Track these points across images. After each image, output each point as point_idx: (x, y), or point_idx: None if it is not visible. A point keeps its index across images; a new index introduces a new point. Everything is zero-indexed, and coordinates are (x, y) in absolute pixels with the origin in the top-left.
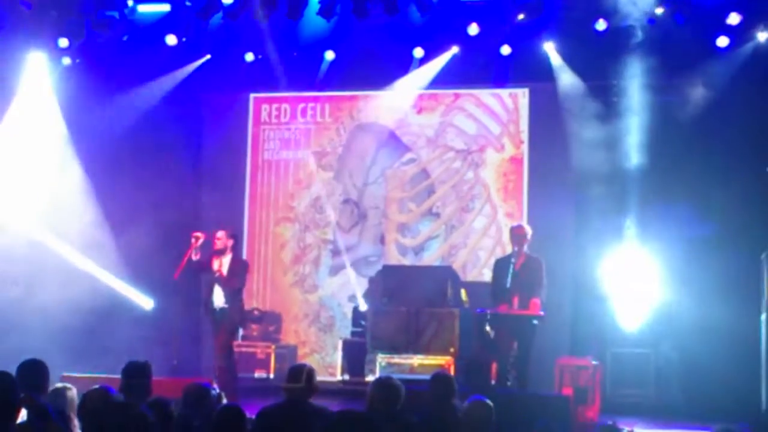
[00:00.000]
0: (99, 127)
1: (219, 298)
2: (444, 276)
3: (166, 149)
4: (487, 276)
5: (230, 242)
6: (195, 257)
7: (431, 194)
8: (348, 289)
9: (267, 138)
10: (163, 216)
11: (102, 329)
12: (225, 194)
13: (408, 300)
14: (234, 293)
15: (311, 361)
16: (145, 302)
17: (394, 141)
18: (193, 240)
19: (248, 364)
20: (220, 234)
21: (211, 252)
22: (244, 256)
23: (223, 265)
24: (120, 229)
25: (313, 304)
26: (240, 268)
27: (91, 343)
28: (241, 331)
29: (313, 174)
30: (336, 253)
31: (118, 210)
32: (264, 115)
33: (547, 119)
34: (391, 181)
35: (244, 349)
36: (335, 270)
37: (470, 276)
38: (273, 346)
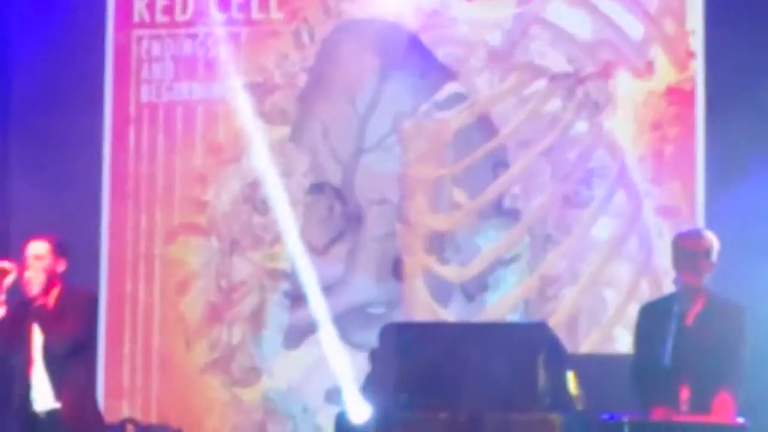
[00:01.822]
0: None
1: (44, 390)
2: (530, 344)
3: None
4: (622, 341)
5: (60, 264)
6: None
7: (500, 170)
8: (324, 377)
9: (146, 56)
10: None
11: None
12: (58, 180)
13: (454, 396)
14: (79, 365)
15: None
16: None
17: (418, 58)
18: None
19: None
20: (39, 247)
21: (23, 301)
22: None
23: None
24: None
25: (252, 409)
26: (81, 303)
27: None
28: None
29: (245, 133)
30: (298, 298)
31: None
32: (139, 7)
33: (746, 8)
34: (413, 145)
35: None
36: (297, 335)
37: (586, 342)
38: None
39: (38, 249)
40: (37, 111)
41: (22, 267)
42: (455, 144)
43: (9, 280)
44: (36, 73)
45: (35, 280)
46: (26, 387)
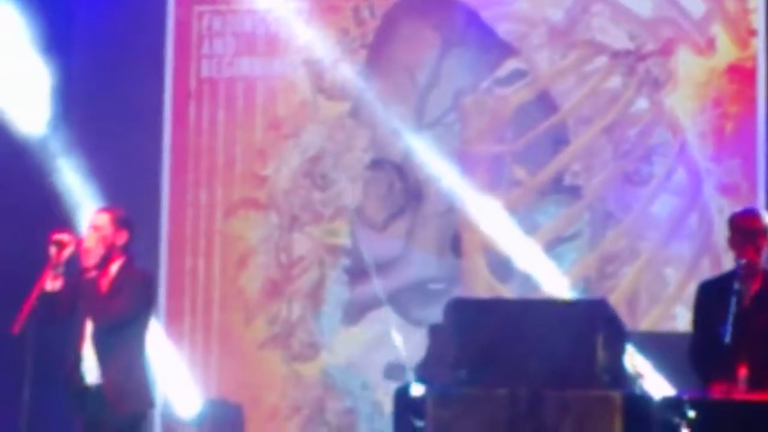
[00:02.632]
0: None
1: (92, 364)
2: (590, 321)
3: None
4: (682, 319)
5: (121, 236)
6: (53, 284)
7: (560, 147)
8: (385, 352)
9: (207, 32)
10: None
11: None
12: (118, 155)
13: (513, 373)
14: (125, 344)
15: None
16: None
17: (479, 34)
18: (52, 249)
19: None
20: (100, 219)
21: (81, 273)
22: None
23: (103, 281)
24: None
25: (311, 385)
26: (135, 282)
27: None
28: None
29: (306, 108)
30: (358, 274)
31: None
32: None
33: None
34: (473, 121)
35: None
36: (357, 311)
37: (646, 319)
38: None
39: (99, 220)
40: (99, 87)
41: (81, 240)
42: (515, 121)
43: (67, 252)
44: (97, 49)
45: (93, 251)
46: (77, 359)
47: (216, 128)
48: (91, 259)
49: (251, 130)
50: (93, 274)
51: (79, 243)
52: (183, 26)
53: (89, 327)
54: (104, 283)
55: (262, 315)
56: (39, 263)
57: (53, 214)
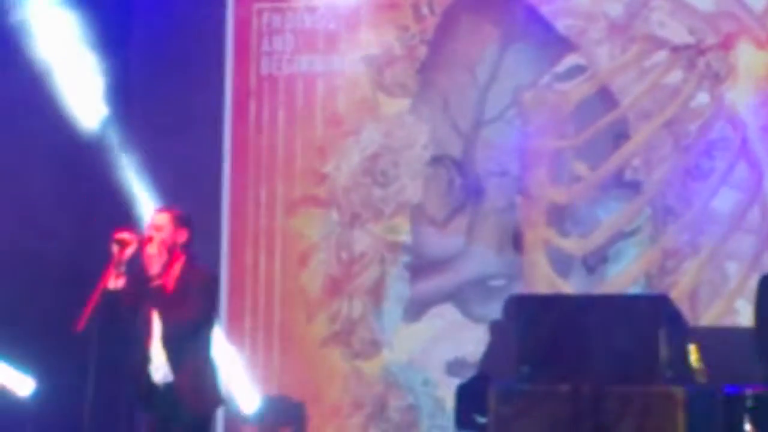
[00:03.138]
0: None
1: (161, 363)
2: (652, 317)
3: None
4: (744, 314)
5: (181, 235)
6: (117, 283)
7: (621, 142)
8: (446, 349)
9: (267, 30)
10: (44, 210)
11: None
12: (179, 153)
13: (576, 369)
14: (193, 344)
15: None
16: (20, 384)
17: (538, 30)
18: (114, 248)
19: None
20: (161, 218)
21: (143, 275)
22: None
23: (168, 280)
24: None
25: (373, 382)
26: (201, 284)
27: None
28: None
29: (366, 104)
30: (419, 271)
31: None
32: None
33: None
34: (534, 116)
35: None
36: (418, 308)
37: (708, 315)
38: None
39: (159, 220)
40: (159, 85)
41: (142, 238)
42: (576, 116)
43: (129, 251)
44: (157, 47)
45: (156, 258)
46: (145, 359)
47: (276, 126)
48: (154, 267)
49: (311, 127)
50: (158, 275)
51: (141, 241)
52: (243, 24)
53: (157, 327)
54: (169, 283)
55: (323, 312)
56: (101, 260)
57: (114, 211)
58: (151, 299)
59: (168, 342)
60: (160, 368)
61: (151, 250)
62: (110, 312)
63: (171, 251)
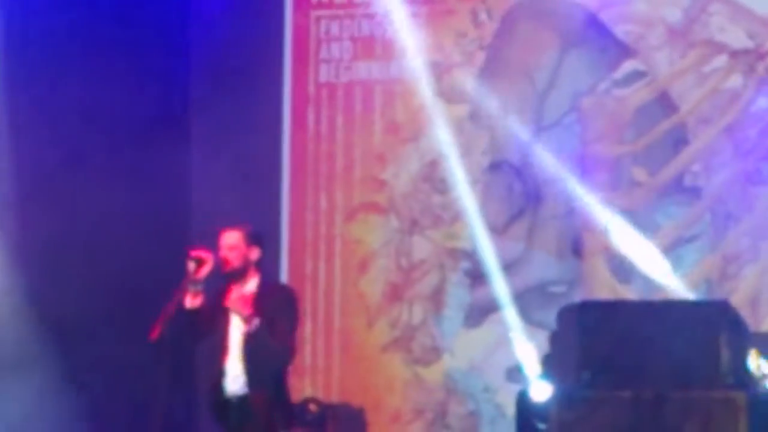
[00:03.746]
0: None
1: (237, 377)
2: (713, 322)
3: (119, 72)
4: None
5: (253, 252)
6: (194, 302)
7: (681, 147)
8: (507, 356)
9: (325, 37)
10: (112, 218)
11: None
12: (238, 160)
13: (637, 375)
14: (271, 362)
15: None
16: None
17: (597, 35)
18: (190, 266)
19: None
20: (232, 237)
21: (218, 288)
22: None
23: (243, 298)
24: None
25: (433, 388)
26: (281, 299)
27: None
28: None
29: (424, 111)
30: (478, 278)
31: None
32: None
33: None
34: (593, 122)
35: None
36: (478, 314)
37: None
38: None
39: (231, 239)
40: (217, 92)
41: (217, 257)
42: (635, 121)
43: (206, 269)
44: (215, 55)
45: (241, 301)
46: (219, 374)
47: (335, 133)
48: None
49: (370, 134)
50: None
51: (217, 261)
52: (301, 31)
53: (235, 341)
54: (247, 300)
55: (383, 319)
56: (171, 271)
57: (176, 221)
58: (230, 315)
59: (247, 354)
60: (236, 381)
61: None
62: (188, 331)
63: (245, 268)
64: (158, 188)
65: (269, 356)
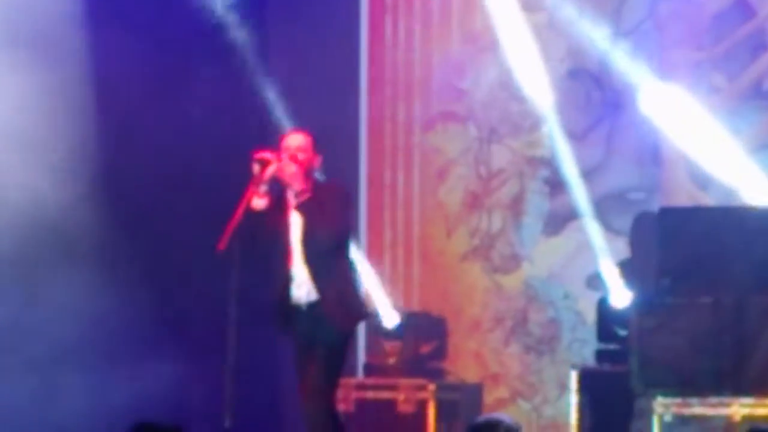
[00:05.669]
0: None
1: (304, 283)
2: None
3: None
4: None
5: (317, 159)
6: (260, 202)
7: (759, 52)
8: (586, 263)
9: None
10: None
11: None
12: (316, 70)
13: (716, 281)
14: (335, 259)
15: (514, 414)
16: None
17: None
18: (255, 167)
19: (379, 427)
20: (300, 139)
21: (281, 191)
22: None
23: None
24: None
25: (513, 296)
26: (336, 195)
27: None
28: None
29: (502, 20)
30: (558, 186)
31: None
32: None
33: None
34: (670, 29)
35: (368, 395)
36: (557, 222)
37: None
38: (431, 387)
39: (301, 141)
40: (295, 4)
41: (281, 158)
42: (713, 28)
43: (270, 170)
44: None
45: (298, 173)
46: (287, 280)
47: (412, 42)
48: (297, 183)
49: (447, 43)
50: (302, 196)
51: (281, 162)
52: None
53: (298, 247)
54: (309, 204)
55: (462, 227)
56: (241, 181)
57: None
58: (297, 213)
59: (310, 260)
60: (302, 285)
61: (291, 168)
62: (254, 232)
63: (309, 172)
64: (238, 99)
65: (321, 236)
